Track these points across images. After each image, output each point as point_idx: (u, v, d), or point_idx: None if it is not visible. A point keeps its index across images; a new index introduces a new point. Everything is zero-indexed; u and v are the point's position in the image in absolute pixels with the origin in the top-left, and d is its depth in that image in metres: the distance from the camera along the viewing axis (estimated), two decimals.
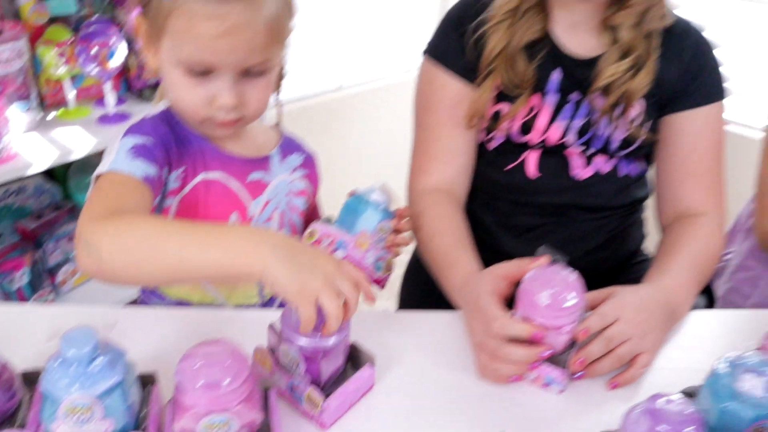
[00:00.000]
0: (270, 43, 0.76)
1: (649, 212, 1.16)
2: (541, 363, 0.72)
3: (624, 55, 0.93)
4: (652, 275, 0.88)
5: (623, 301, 0.76)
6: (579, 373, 0.73)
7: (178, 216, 0.83)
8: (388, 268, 0.87)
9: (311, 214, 0.99)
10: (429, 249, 0.95)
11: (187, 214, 0.84)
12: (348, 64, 2.21)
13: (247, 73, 0.77)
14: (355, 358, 0.71)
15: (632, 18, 0.92)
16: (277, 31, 0.77)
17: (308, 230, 0.85)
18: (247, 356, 0.59)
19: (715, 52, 1.00)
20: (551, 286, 0.71)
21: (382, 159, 2.11)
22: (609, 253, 1.06)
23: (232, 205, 0.87)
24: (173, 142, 0.81)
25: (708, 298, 1.34)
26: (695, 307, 1.31)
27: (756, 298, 1.21)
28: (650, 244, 1.18)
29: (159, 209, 0.81)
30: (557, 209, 1.02)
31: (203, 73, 0.75)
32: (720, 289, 1.29)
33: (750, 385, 0.59)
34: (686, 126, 0.98)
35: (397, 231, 0.87)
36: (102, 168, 0.74)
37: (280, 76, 0.90)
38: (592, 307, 0.76)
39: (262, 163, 0.90)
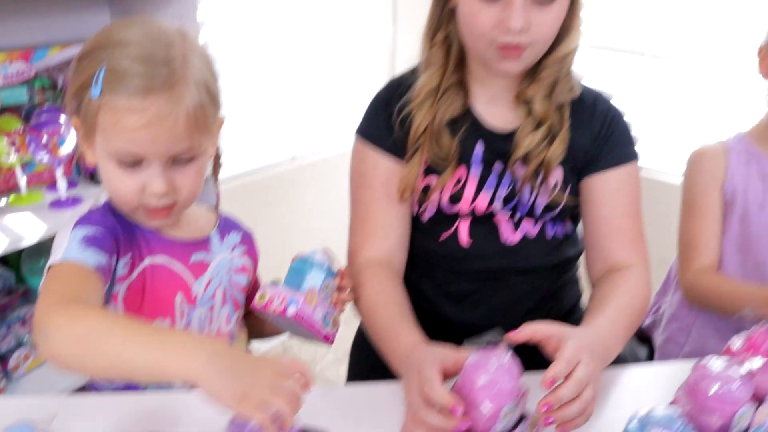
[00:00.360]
0: (192, 132, 0.81)
1: (583, 269, 1.22)
2: None
3: (538, 126, 1.01)
4: (585, 326, 0.93)
5: (580, 344, 0.78)
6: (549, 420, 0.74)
7: (127, 300, 0.87)
8: (335, 324, 0.92)
9: (253, 289, 1.03)
10: (371, 322, 0.99)
11: (135, 298, 0.87)
12: (301, 135, 2.28)
13: (176, 161, 0.82)
14: None
15: (543, 90, 1.00)
16: (200, 121, 0.81)
17: (259, 292, 0.89)
18: None
19: (624, 118, 1.08)
20: (487, 371, 0.74)
21: (336, 225, 2.16)
22: (546, 313, 1.11)
23: (176, 286, 0.90)
24: (120, 231, 0.85)
25: (649, 348, 1.40)
26: (637, 358, 1.37)
27: (689, 346, 1.27)
28: (586, 299, 1.24)
29: (108, 295, 0.84)
30: (491, 274, 1.07)
31: (133, 163, 0.80)
32: (658, 339, 1.35)
33: None
34: (603, 187, 1.05)
35: (340, 289, 0.93)
36: (55, 258, 0.78)
37: (217, 162, 0.96)
38: (550, 349, 0.79)
39: (202, 244, 0.94)
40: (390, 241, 1.06)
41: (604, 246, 1.06)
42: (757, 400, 0.75)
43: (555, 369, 0.74)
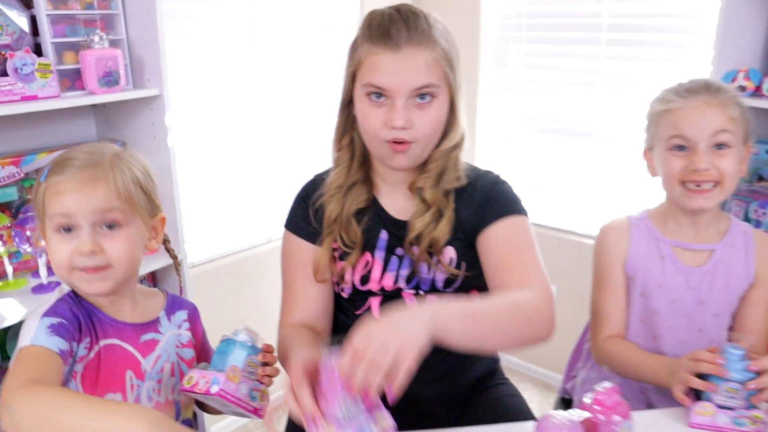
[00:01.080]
0: (114, 198, 0.98)
1: None
2: None
3: (426, 210, 1.15)
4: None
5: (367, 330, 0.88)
6: None
7: (84, 377, 1.01)
8: (264, 398, 1.01)
9: (206, 357, 1.15)
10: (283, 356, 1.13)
11: (91, 375, 1.01)
12: (275, 219, 2.47)
13: (103, 227, 0.99)
14: None
15: (431, 180, 1.15)
16: (124, 195, 0.99)
17: (186, 375, 1.02)
18: None
19: (505, 185, 1.18)
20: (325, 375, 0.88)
21: None
22: (452, 381, 1.23)
23: (127, 364, 1.05)
24: (81, 318, 1.01)
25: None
26: None
27: None
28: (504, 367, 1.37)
29: (69, 374, 0.99)
30: None
31: (67, 229, 0.98)
32: (576, 402, 1.47)
33: None
34: (492, 236, 1.13)
35: (266, 364, 1.03)
36: (24, 342, 0.93)
37: (173, 255, 1.19)
38: None
39: (151, 325, 1.09)
40: (310, 311, 1.22)
41: (502, 281, 1.11)
42: None
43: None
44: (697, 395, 1.08)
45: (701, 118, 1.19)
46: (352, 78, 1.13)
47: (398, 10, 1.09)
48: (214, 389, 0.95)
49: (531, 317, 1.01)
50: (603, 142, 2.40)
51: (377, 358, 0.83)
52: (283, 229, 1.27)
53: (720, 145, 1.20)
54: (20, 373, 0.88)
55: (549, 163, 2.59)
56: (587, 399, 0.96)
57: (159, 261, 1.70)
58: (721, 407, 1.04)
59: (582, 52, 2.41)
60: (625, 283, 1.33)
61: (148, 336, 1.08)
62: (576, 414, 0.91)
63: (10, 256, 1.58)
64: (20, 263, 1.63)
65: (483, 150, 2.73)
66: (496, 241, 1.14)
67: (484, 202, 1.17)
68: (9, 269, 1.58)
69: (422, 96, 1.08)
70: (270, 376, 1.03)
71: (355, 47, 1.12)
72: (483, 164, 2.63)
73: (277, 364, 1.08)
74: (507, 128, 2.69)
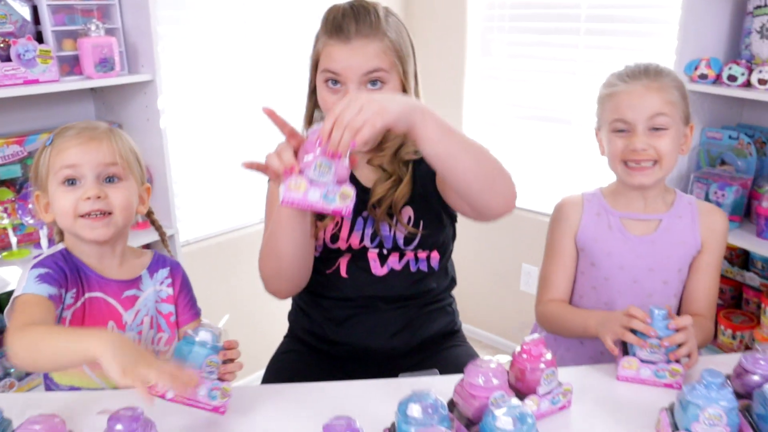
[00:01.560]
0: (115, 156, 1.13)
1: (462, 304, 1.47)
2: None
3: (387, 178, 1.28)
4: None
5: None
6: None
7: (72, 323, 1.14)
8: (224, 395, 1.01)
9: (188, 312, 1.28)
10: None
11: (78, 322, 1.15)
12: None
13: (104, 179, 1.14)
14: None
15: (387, 157, 1.28)
16: (121, 154, 1.15)
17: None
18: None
19: None
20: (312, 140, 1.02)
21: None
22: (409, 336, 1.35)
23: (109, 316, 1.18)
24: (67, 271, 1.14)
25: None
26: None
27: None
28: (464, 330, 1.49)
29: (59, 319, 1.12)
30: (364, 301, 1.33)
31: (72, 181, 1.12)
32: None
33: None
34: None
35: (229, 360, 1.04)
36: (18, 292, 1.08)
37: (158, 227, 1.32)
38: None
39: (134, 282, 1.22)
40: None
41: None
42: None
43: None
44: (624, 350, 1.19)
45: (639, 102, 1.29)
46: (314, 67, 1.27)
47: (352, 6, 1.22)
48: (170, 395, 0.95)
49: (498, 171, 1.10)
50: (582, 128, 2.50)
51: (352, 119, 0.94)
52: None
53: (657, 128, 1.30)
54: (16, 319, 1.04)
55: (532, 149, 2.70)
56: (517, 349, 1.07)
57: (150, 236, 1.82)
58: (644, 362, 1.14)
59: (562, 41, 2.51)
60: (575, 255, 1.43)
61: (130, 292, 1.21)
62: (504, 360, 1.02)
63: (15, 228, 1.72)
64: (24, 235, 1.76)
65: (468, 135, 2.83)
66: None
67: None
68: (13, 240, 1.72)
69: (373, 82, 1.20)
70: (232, 372, 1.04)
71: (316, 39, 1.26)
72: None
73: (241, 358, 1.12)
74: (492, 115, 2.80)
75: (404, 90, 1.25)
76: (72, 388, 1.19)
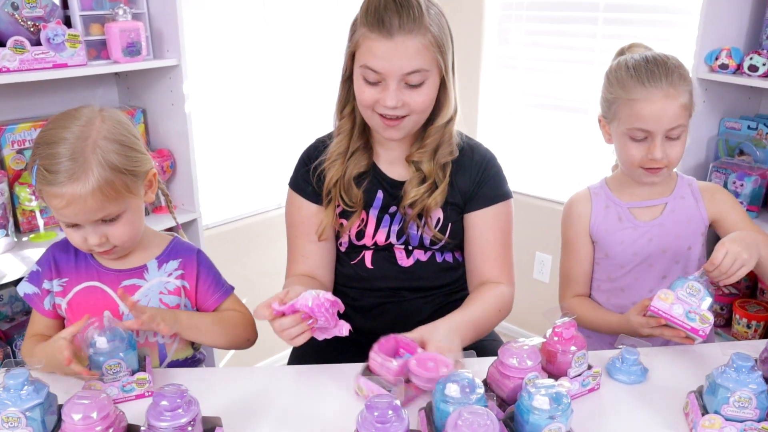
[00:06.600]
0: (104, 204, 1.05)
1: None
2: None
3: (423, 181, 1.28)
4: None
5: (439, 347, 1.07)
6: None
7: (68, 311, 1.19)
8: (140, 384, 1.08)
9: (213, 295, 1.26)
10: None
11: (76, 310, 1.19)
12: (286, 184, 2.59)
13: (103, 222, 1.09)
14: None
15: (427, 155, 1.27)
16: (109, 194, 1.05)
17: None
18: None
19: (496, 161, 1.33)
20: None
21: None
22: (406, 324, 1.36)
23: (105, 305, 1.17)
24: (58, 261, 1.19)
25: None
26: None
27: None
28: None
29: (53, 306, 1.20)
30: (390, 292, 1.35)
31: (73, 225, 1.08)
32: None
33: None
34: (479, 222, 1.31)
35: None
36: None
37: (168, 200, 1.32)
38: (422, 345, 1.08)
39: (135, 272, 1.20)
40: (309, 264, 1.35)
41: (480, 268, 1.33)
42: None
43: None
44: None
45: (661, 113, 1.28)
46: (351, 56, 1.23)
47: None
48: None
49: (506, 309, 1.31)
50: None
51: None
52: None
53: (673, 138, 1.31)
54: (28, 329, 1.24)
55: (548, 137, 2.70)
56: (548, 332, 1.09)
57: (166, 222, 1.77)
58: (680, 299, 1.14)
59: (580, 30, 2.52)
60: (591, 249, 1.47)
61: (129, 282, 1.20)
62: (537, 341, 1.05)
63: (42, 211, 1.74)
64: (50, 218, 1.78)
65: (485, 124, 2.84)
66: (484, 229, 1.32)
67: (479, 177, 1.31)
68: (41, 222, 1.74)
69: (412, 81, 1.18)
70: (140, 328, 1.11)
71: (354, 28, 1.22)
72: (485, 137, 2.77)
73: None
74: (508, 103, 2.81)
75: (443, 84, 1.24)
76: None
